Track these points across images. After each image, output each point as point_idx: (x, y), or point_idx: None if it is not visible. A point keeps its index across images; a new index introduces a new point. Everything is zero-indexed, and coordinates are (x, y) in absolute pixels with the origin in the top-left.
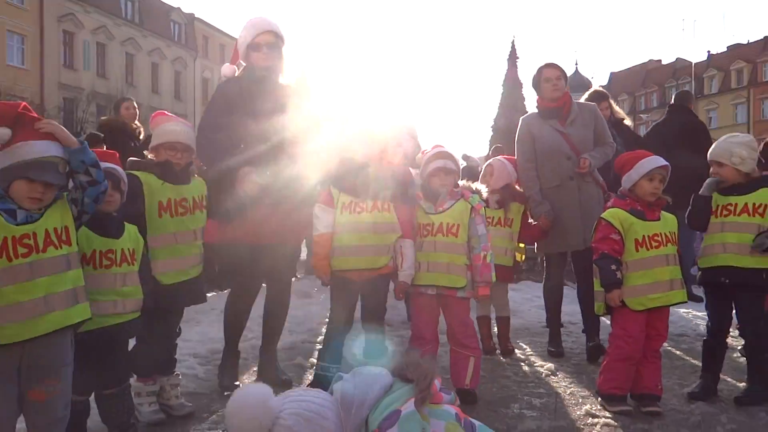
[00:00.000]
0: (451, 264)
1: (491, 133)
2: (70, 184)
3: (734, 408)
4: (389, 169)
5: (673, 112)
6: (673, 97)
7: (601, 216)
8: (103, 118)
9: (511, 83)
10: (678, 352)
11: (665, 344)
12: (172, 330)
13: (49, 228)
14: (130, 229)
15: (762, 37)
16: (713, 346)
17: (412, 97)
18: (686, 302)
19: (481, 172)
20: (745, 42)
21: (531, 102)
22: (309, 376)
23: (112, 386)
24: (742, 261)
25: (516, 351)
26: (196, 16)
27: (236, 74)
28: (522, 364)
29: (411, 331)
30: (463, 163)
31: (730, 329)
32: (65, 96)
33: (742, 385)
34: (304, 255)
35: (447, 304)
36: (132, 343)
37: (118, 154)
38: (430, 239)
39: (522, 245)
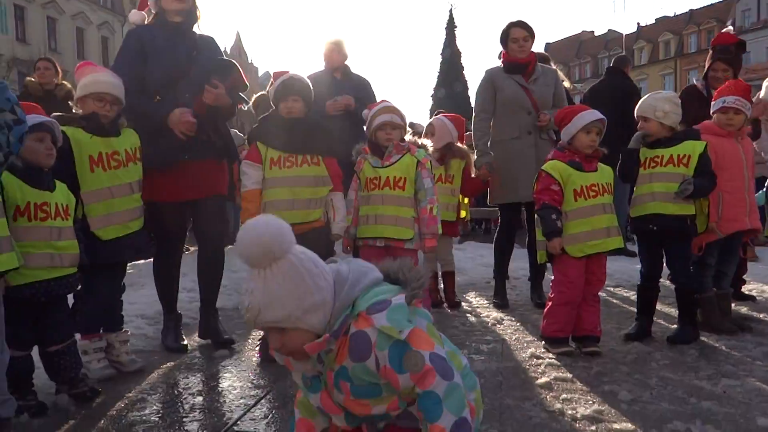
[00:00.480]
0: (398, 217)
1: (431, 103)
2: None
3: (667, 346)
4: (318, 121)
5: (609, 75)
6: (612, 60)
7: (542, 168)
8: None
9: (450, 53)
10: (615, 301)
11: (604, 294)
12: (117, 286)
13: None
14: (61, 186)
15: (687, 10)
16: (646, 291)
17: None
18: (622, 248)
19: (423, 132)
20: (672, 15)
21: (470, 71)
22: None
23: (56, 343)
24: (669, 208)
25: (462, 304)
26: None
27: (146, 21)
28: (468, 315)
29: None
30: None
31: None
32: None
33: (674, 326)
34: None
35: (395, 256)
36: (72, 301)
37: (40, 107)
38: (377, 193)
39: (466, 201)
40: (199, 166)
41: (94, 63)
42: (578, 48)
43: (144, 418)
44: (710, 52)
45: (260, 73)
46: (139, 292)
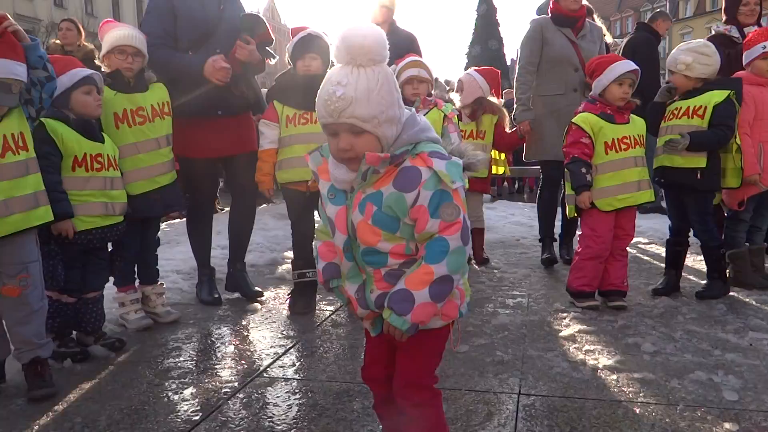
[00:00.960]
0: None
1: (466, 61)
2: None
3: (695, 301)
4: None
5: (637, 30)
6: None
7: (572, 121)
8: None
9: (486, 8)
10: (646, 258)
11: (635, 250)
12: (150, 241)
13: (6, 134)
14: (107, 138)
15: None
16: (673, 245)
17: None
18: (654, 202)
19: (453, 87)
20: None
21: (505, 28)
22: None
23: (94, 290)
24: (675, 161)
25: (491, 261)
26: None
27: None
28: (496, 271)
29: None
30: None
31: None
32: (22, 28)
33: (705, 282)
34: None
35: None
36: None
37: (77, 60)
38: None
39: (503, 157)
40: (234, 122)
41: (114, 20)
42: (620, 1)
43: (179, 364)
44: None
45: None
46: (175, 249)
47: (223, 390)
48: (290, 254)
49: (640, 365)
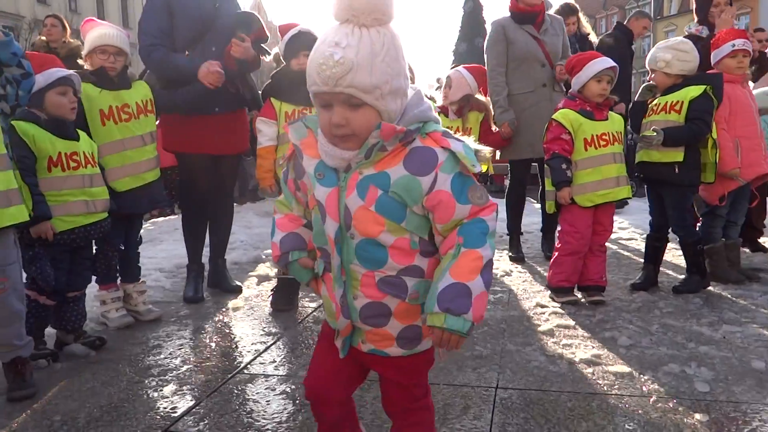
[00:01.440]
0: None
1: (452, 58)
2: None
3: (672, 296)
4: None
5: (614, 29)
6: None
7: (552, 117)
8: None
9: (472, 6)
10: (626, 253)
11: (616, 246)
12: (133, 238)
13: None
14: (83, 134)
15: None
16: (654, 240)
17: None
18: (631, 198)
19: (442, 85)
20: None
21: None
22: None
23: (77, 289)
24: (652, 156)
25: None
26: None
27: None
28: None
29: None
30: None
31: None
32: (4, 24)
33: (683, 276)
34: None
35: None
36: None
37: (58, 59)
38: None
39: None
40: (230, 119)
41: (95, 19)
42: None
43: (159, 362)
44: None
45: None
46: (158, 247)
47: (204, 387)
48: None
49: (615, 358)
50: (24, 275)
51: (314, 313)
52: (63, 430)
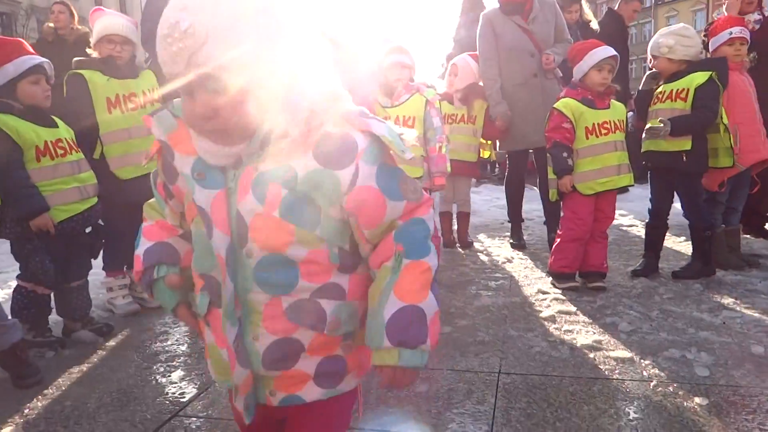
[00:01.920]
0: None
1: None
2: None
3: (673, 282)
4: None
5: (605, 16)
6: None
7: (554, 106)
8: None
9: None
10: (628, 239)
11: (618, 232)
12: (139, 225)
13: None
14: (60, 122)
15: None
16: (653, 228)
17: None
18: (633, 185)
19: (446, 71)
20: None
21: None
22: None
23: (79, 279)
24: (660, 144)
25: (474, 244)
26: None
27: None
28: (480, 254)
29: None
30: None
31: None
32: (1, 10)
33: (684, 263)
34: None
35: None
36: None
37: (23, 42)
38: None
39: (489, 142)
40: None
41: (103, 9)
42: None
43: (167, 348)
44: None
45: None
46: None
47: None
48: None
49: (617, 344)
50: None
51: None
52: (74, 416)
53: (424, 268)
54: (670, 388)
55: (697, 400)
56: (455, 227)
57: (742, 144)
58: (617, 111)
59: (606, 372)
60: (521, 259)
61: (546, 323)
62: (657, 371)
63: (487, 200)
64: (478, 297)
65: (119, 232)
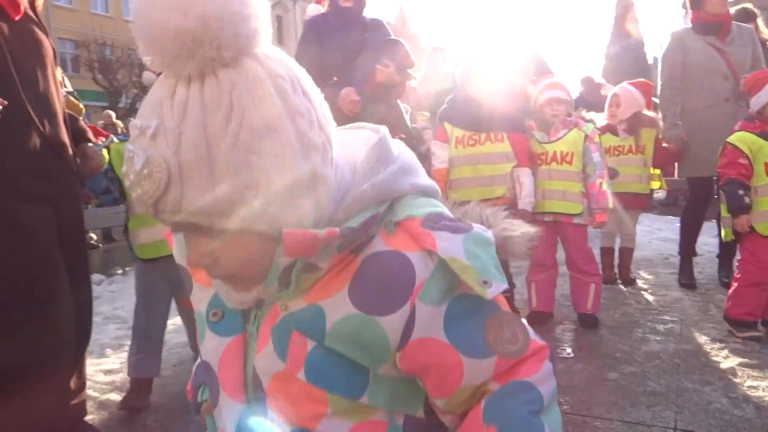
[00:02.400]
0: (566, 191)
1: (604, 61)
2: None
3: None
4: (501, 99)
5: None
6: None
7: (728, 140)
8: None
9: (624, 6)
10: None
11: None
12: None
13: None
14: None
15: None
16: None
17: (518, 25)
18: None
19: (607, 102)
20: None
21: (643, 26)
22: None
23: None
24: None
25: (637, 281)
26: None
27: (322, 11)
28: (644, 293)
29: (530, 258)
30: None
31: None
32: (276, 14)
33: None
34: None
35: (564, 231)
36: None
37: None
38: (544, 168)
39: (659, 172)
40: None
41: None
42: None
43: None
44: None
45: (421, 42)
46: None
47: None
48: None
49: None
50: None
51: None
52: None
53: None
54: None
55: None
56: (617, 262)
57: None
58: None
59: None
60: (691, 300)
61: (726, 376)
62: None
63: (648, 231)
64: (645, 341)
65: None
